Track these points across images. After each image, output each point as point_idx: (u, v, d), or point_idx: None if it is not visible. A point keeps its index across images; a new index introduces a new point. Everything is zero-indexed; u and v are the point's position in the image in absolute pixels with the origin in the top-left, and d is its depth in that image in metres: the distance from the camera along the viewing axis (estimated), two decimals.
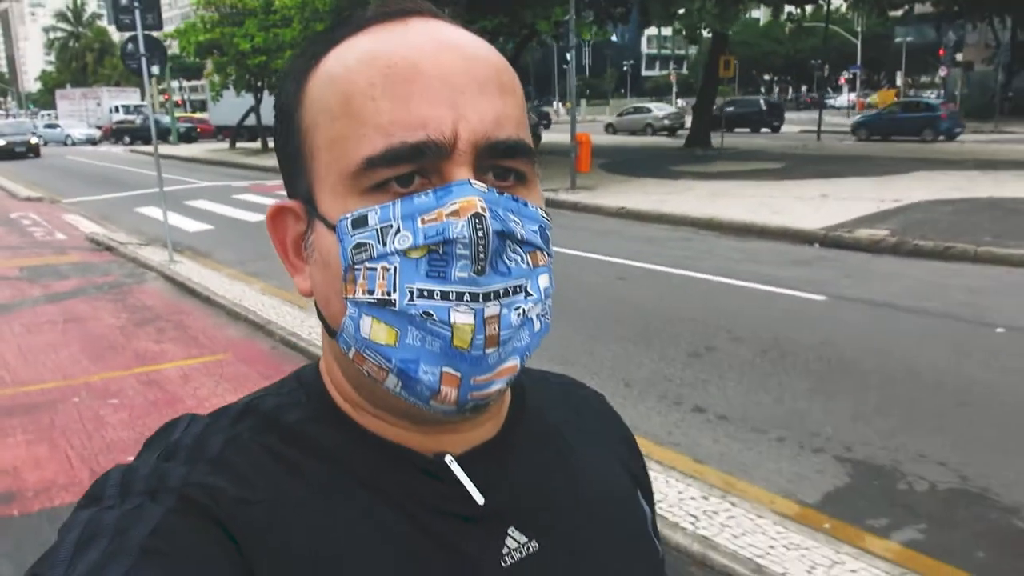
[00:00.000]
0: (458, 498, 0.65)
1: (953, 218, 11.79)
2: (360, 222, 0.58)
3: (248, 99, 33.84)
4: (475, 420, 0.67)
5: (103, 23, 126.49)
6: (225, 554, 0.56)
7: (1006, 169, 17.67)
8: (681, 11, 22.32)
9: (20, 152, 35.03)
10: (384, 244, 0.58)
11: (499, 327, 0.58)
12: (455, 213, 0.56)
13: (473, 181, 0.58)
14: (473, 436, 0.68)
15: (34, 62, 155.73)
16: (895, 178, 16.79)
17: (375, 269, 0.58)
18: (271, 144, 34.24)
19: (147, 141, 42.63)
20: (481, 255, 0.56)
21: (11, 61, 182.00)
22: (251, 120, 35.27)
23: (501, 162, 0.61)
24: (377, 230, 0.58)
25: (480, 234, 0.56)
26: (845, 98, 59.24)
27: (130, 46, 9.71)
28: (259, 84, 32.23)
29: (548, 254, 0.63)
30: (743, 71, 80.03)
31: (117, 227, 14.08)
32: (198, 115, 52.44)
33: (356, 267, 0.59)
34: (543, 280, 0.62)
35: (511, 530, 0.67)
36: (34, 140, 36.51)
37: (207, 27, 31.02)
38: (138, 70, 9.84)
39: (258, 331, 7.41)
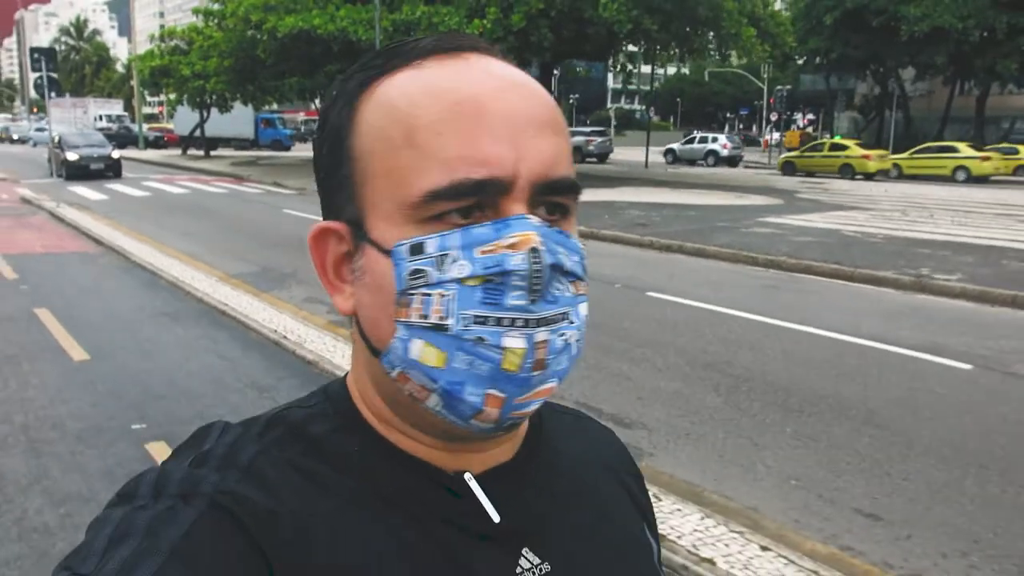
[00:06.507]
0: (476, 515, 0.66)
1: (587, 210, 18.20)
2: (417, 249, 0.60)
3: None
4: (498, 439, 0.68)
5: (103, 39, 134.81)
6: (250, 562, 0.58)
7: (708, 189, 24.72)
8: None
9: (97, 171, 26.49)
10: (442, 271, 0.59)
11: (547, 352, 0.60)
12: (513, 246, 0.58)
13: (529, 216, 0.60)
14: (493, 456, 0.70)
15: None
16: (608, 190, 23.47)
17: (431, 295, 0.59)
18: (213, 153, 41.19)
19: (122, 146, 49.56)
20: (536, 286, 0.59)
21: (22, 67, 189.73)
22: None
23: (553, 198, 0.63)
24: (435, 258, 0.59)
25: (536, 267, 0.58)
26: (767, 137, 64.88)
27: (39, 80, 16.78)
28: (208, 102, 38.96)
29: (585, 282, 0.65)
30: (696, 107, 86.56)
31: (45, 194, 21.00)
32: (168, 125, 59.44)
33: (411, 292, 0.60)
34: (583, 308, 0.64)
35: (525, 551, 0.68)
36: (116, 154, 27.19)
37: (160, 55, 38.29)
38: (42, 95, 16.96)
39: (75, 230, 14.49)
